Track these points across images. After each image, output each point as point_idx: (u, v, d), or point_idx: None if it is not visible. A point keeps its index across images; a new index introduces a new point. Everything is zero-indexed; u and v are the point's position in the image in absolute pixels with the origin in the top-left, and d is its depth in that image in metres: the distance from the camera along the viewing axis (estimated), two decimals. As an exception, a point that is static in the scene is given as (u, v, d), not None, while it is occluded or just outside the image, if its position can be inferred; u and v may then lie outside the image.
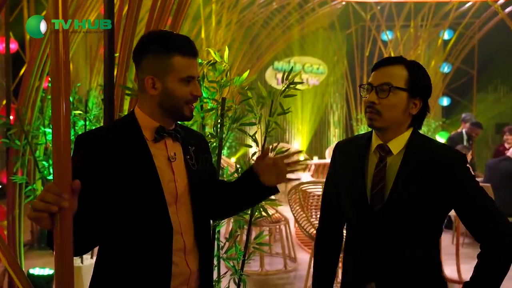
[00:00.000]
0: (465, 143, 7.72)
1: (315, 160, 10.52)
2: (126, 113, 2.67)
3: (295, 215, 4.96)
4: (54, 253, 1.24)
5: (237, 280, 2.52)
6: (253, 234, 4.04)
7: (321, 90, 12.68)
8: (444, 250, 5.29)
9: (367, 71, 11.15)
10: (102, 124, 3.30)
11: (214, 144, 2.45)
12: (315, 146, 12.90)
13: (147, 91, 1.63)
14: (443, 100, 11.55)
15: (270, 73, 12.08)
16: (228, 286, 2.54)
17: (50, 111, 2.47)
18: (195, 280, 1.71)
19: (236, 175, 2.53)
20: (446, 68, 11.02)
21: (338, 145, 1.98)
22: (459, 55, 10.91)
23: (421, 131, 1.85)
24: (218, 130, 2.45)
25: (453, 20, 10.38)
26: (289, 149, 2.62)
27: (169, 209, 1.63)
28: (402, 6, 10.52)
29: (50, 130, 2.86)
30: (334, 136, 12.93)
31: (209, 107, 2.49)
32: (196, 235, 1.71)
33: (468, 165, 1.78)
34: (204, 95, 2.42)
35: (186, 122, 1.90)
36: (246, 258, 2.56)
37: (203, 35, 8.87)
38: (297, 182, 4.70)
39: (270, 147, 1.83)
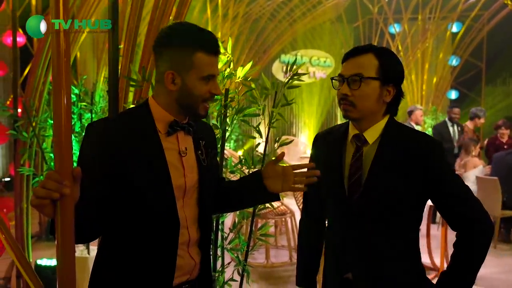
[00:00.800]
0: (450, 129, 7.55)
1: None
2: (130, 104, 2.68)
3: (300, 207, 4.96)
4: (56, 240, 1.25)
5: (240, 271, 2.54)
6: (259, 226, 4.05)
7: (328, 83, 12.64)
8: (433, 238, 5.31)
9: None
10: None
11: (218, 135, 2.46)
12: (322, 140, 12.86)
13: (166, 86, 1.60)
14: (451, 93, 11.49)
15: (277, 66, 12.06)
16: (232, 277, 2.55)
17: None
18: (197, 270, 1.72)
19: (239, 166, 2.54)
20: (454, 61, 10.97)
21: (316, 137, 1.98)
22: (468, 48, 10.86)
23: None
24: (222, 120, 2.45)
25: (462, 12, 10.32)
26: (292, 140, 2.62)
27: (177, 203, 1.62)
28: (410, -2, 10.47)
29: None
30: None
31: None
32: (200, 229, 1.71)
33: (444, 152, 1.76)
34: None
35: None
36: (250, 249, 2.57)
37: (209, 27, 8.87)
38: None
39: (283, 152, 1.79)
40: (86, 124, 4.12)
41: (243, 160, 2.52)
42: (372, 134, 1.77)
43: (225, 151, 2.60)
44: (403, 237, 1.77)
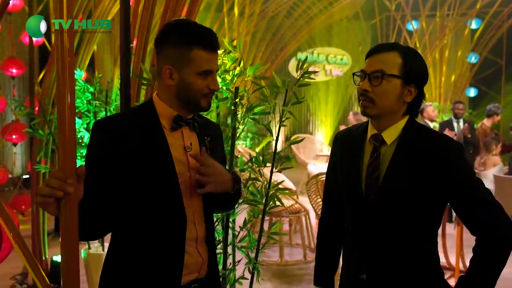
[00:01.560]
0: (455, 125, 7.40)
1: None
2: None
3: (314, 205, 4.95)
4: (60, 238, 1.26)
5: (251, 269, 2.54)
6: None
7: (345, 81, 12.58)
8: (449, 238, 5.24)
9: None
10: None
11: (228, 134, 2.46)
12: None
13: (164, 81, 1.63)
14: (470, 91, 11.34)
15: (293, 64, 12.02)
16: (243, 275, 2.56)
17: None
18: (205, 268, 1.73)
19: (250, 164, 2.54)
20: (473, 58, 10.82)
21: (337, 136, 1.97)
22: (487, 45, 10.70)
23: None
24: (232, 119, 2.45)
25: (481, 8, 10.17)
26: (304, 138, 2.60)
27: (183, 198, 1.64)
28: (428, -5, 10.36)
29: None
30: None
31: (224, 96, 2.50)
32: (206, 225, 1.72)
33: (464, 155, 1.72)
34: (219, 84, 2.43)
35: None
36: (260, 247, 2.56)
37: (226, 26, 8.89)
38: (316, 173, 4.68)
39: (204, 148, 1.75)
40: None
41: (254, 159, 2.52)
42: (391, 134, 1.75)
43: (240, 149, 2.60)
44: (420, 240, 1.73)
